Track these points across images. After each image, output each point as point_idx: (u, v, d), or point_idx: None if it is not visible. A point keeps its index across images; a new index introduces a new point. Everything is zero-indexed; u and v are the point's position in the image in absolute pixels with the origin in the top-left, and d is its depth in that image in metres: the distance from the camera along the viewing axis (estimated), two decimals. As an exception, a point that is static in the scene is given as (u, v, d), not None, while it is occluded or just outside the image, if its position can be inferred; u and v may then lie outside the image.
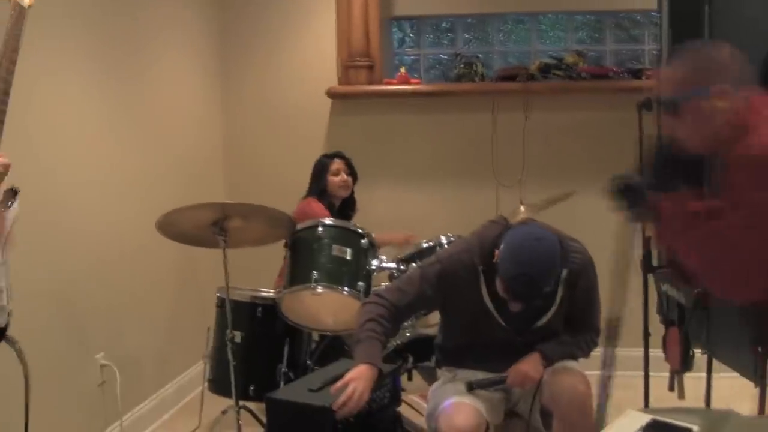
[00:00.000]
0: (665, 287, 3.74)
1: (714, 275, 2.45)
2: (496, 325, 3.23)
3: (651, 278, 3.90)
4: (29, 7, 2.20)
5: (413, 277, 3.29)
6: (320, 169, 4.71)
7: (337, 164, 4.71)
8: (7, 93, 2.06)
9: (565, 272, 3.15)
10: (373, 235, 4.08)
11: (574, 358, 3.34)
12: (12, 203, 2.08)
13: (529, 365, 3.18)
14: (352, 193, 4.79)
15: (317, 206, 4.53)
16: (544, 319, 3.24)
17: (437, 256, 3.35)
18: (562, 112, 5.59)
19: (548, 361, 3.22)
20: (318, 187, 4.66)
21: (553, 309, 3.23)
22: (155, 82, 4.85)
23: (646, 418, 2.23)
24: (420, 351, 4.04)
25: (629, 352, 3.44)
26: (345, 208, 4.77)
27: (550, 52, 5.79)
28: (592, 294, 3.33)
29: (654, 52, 5.57)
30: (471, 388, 3.19)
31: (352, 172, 4.75)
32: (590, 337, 3.37)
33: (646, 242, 3.87)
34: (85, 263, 4.08)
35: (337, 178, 4.68)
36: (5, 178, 2.17)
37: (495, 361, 3.23)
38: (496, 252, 3.08)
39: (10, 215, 2.06)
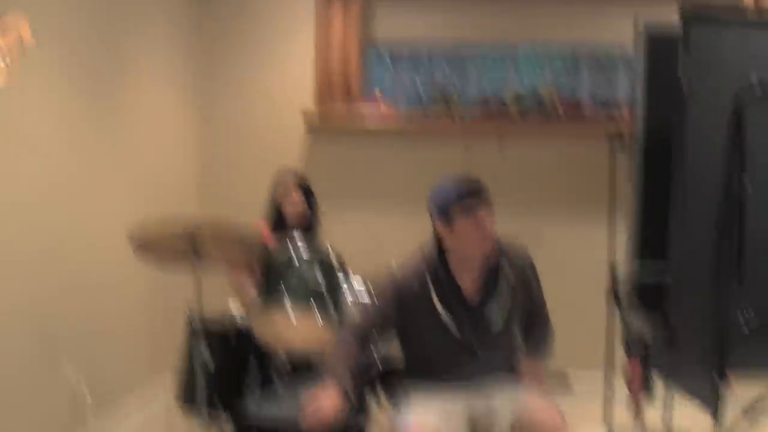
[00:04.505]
0: (629, 317, 3.81)
1: None
2: (454, 341, 3.27)
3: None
4: None
5: (372, 296, 3.45)
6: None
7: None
8: None
9: (506, 264, 3.29)
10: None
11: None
12: None
13: (545, 413, 3.22)
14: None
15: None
16: (495, 310, 3.27)
17: (390, 273, 3.44)
18: (535, 144, 5.68)
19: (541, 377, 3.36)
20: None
21: (501, 298, 3.28)
22: (132, 99, 4.90)
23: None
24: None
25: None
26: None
27: (525, 85, 5.89)
28: (541, 289, 3.44)
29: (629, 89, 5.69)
30: None
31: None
32: (548, 332, 3.49)
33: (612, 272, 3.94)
34: (57, 276, 4.10)
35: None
36: None
37: (459, 378, 3.31)
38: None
39: None
